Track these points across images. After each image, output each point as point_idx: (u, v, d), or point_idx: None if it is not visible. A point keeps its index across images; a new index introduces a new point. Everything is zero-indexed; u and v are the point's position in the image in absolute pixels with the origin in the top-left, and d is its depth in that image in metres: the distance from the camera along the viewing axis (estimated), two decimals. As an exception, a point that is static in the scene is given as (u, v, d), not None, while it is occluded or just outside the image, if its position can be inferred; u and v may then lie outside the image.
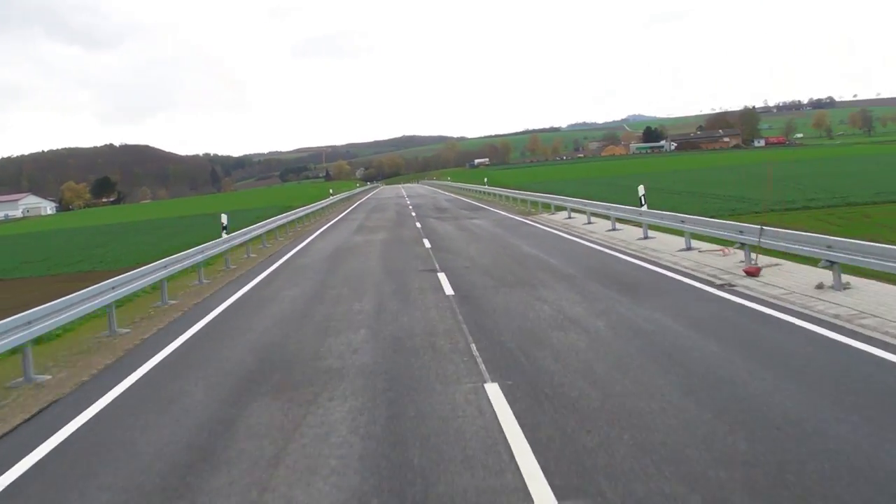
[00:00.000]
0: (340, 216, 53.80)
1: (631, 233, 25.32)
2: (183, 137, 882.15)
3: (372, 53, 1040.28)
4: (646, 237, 23.54)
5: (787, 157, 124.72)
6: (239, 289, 19.49)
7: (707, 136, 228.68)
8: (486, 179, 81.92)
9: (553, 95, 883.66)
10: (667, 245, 21.33)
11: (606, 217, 29.09)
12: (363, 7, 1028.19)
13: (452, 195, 77.90)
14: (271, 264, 24.79)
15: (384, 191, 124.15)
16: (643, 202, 25.95)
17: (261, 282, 20.66)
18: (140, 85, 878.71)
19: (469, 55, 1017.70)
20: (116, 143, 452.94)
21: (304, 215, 48.08)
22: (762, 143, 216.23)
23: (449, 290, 16.41)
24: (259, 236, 32.08)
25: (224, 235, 26.82)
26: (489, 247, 25.01)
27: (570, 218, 34.12)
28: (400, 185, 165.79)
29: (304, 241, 34.15)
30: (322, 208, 59.73)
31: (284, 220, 39.93)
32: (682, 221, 20.57)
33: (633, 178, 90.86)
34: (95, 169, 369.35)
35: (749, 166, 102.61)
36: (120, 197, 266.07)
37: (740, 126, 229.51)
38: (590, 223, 30.45)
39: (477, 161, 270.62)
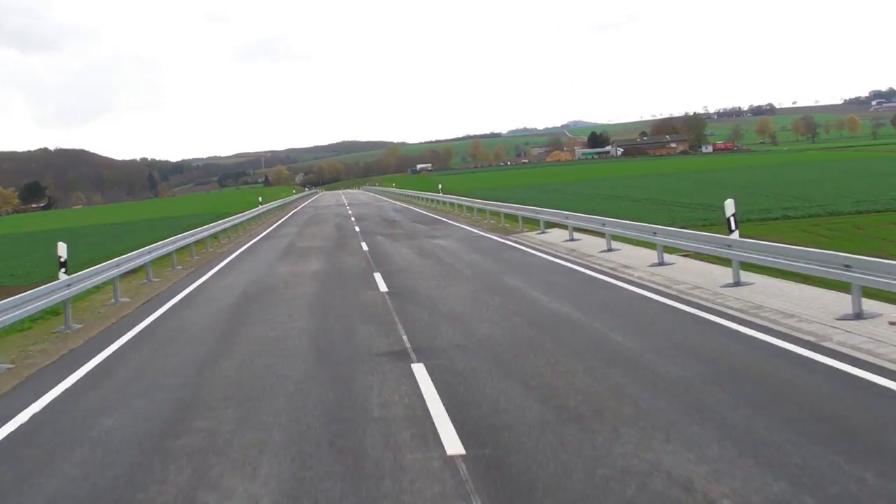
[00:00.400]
0: (269, 230, 44.93)
1: (699, 270, 16.78)
2: (120, 142, 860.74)
3: (312, 58, 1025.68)
4: (737, 283, 14.60)
5: (739, 164, 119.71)
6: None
7: (654, 142, 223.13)
8: (440, 186, 70.81)
9: (493, 101, 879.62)
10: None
11: (629, 240, 20.83)
12: (303, 12, 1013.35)
13: (400, 203, 69.94)
14: (130, 327, 14.89)
15: (324, 197, 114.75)
16: (733, 225, 16.20)
17: (70, 390, 10.53)
18: (78, 89, 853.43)
19: (409, 61, 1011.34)
20: (51, 148, 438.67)
21: (223, 229, 38.42)
22: (709, 149, 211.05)
23: (453, 445, 7.09)
24: (144, 266, 22.48)
25: (62, 277, 16.23)
26: (480, 292, 16.14)
27: (572, 240, 25.23)
28: (340, 192, 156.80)
29: (209, 270, 25.03)
30: (251, 218, 50.49)
31: (193, 238, 30.39)
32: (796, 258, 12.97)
33: (589, 185, 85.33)
34: (29, 173, 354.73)
35: (704, 172, 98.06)
36: (50, 202, 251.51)
37: (687, 132, 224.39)
38: (610, 250, 21.61)
39: (419, 166, 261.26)
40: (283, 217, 59.84)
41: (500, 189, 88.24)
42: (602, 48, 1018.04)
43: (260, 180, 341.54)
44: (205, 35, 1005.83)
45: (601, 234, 22.49)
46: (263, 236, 40.19)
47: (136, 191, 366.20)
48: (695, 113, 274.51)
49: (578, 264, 19.52)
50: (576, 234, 25.63)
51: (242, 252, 31.48)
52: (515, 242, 26.82)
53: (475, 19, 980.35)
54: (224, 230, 38.73)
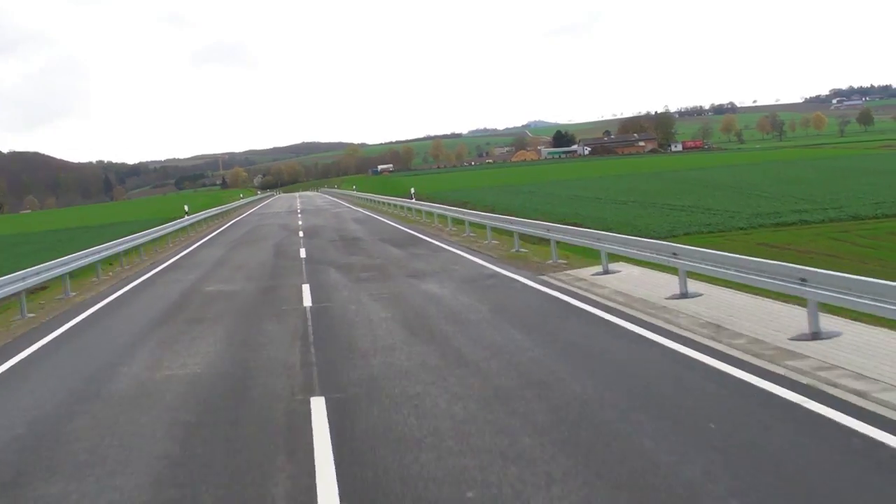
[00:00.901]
0: (187, 251, 33.15)
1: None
2: (77, 145, 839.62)
3: (269, 60, 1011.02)
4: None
5: (716, 162, 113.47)
6: None
7: (622, 141, 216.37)
8: (413, 190, 62.40)
9: (454, 102, 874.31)
10: None
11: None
12: (259, 15, 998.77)
13: (363, 211, 56.84)
14: None
15: (278, 201, 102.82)
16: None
17: None
18: (34, 92, 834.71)
19: (368, 62, 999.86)
20: (4, 150, 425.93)
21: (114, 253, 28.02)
22: (679, 147, 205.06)
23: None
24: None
25: None
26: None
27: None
28: (297, 195, 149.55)
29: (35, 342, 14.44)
30: (173, 231, 41.91)
31: (78, 264, 22.14)
32: None
33: (563, 186, 78.32)
34: None
35: (682, 171, 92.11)
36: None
37: (654, 130, 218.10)
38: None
39: (380, 167, 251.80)
40: (219, 228, 50.80)
41: (469, 190, 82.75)
42: (562, 48, 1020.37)
43: (217, 182, 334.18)
44: (162, 38, 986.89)
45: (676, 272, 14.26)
46: (168, 265, 27.76)
47: (93, 194, 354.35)
48: (657, 112, 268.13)
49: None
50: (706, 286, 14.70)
51: (115, 300, 19.68)
52: (569, 294, 15.61)
53: (434, 20, 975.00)
54: (143, 244, 30.61)
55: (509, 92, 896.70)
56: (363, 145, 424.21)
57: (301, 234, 36.72)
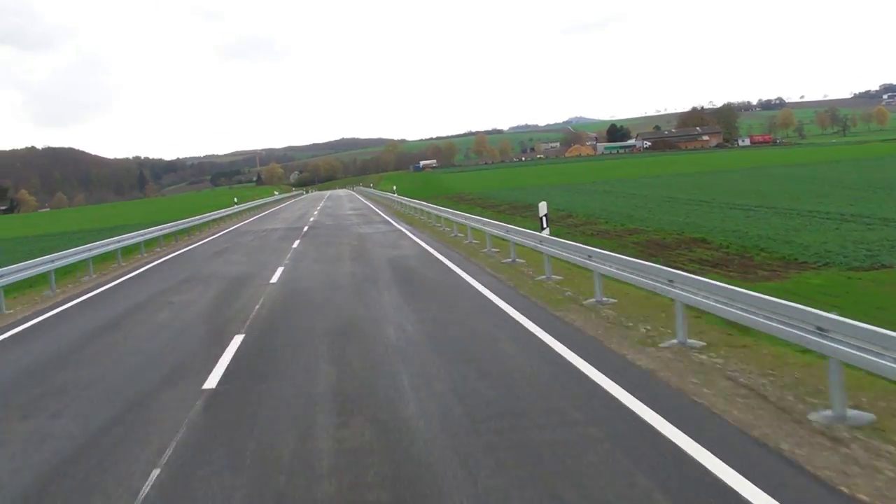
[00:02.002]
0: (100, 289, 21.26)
1: None
2: (116, 141, 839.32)
3: (310, 56, 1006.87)
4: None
5: (805, 158, 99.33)
6: None
7: (683, 135, 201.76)
8: (544, 213, 33.17)
9: (494, 98, 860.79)
10: None
11: None
12: (300, 9, 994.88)
13: (415, 238, 31.00)
14: None
15: (296, 204, 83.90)
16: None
17: None
18: (73, 87, 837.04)
19: (408, 58, 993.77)
20: (39, 146, 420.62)
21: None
22: (747, 142, 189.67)
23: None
24: None
25: None
26: None
27: None
28: (326, 193, 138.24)
29: None
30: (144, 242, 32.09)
31: None
32: None
33: (641, 185, 66.57)
34: (12, 173, 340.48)
35: (780, 168, 79.27)
36: (13, 205, 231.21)
37: (717, 124, 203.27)
38: None
39: (423, 163, 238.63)
40: (172, 252, 32.70)
41: (527, 189, 72.18)
42: (603, 43, 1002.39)
43: (253, 179, 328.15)
44: (203, 32, 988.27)
45: None
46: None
47: (126, 190, 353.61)
48: (700, 106, 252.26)
49: None
50: None
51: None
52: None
53: (475, 15, 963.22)
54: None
55: (550, 88, 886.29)
56: (403, 141, 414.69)
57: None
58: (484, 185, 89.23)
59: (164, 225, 37.36)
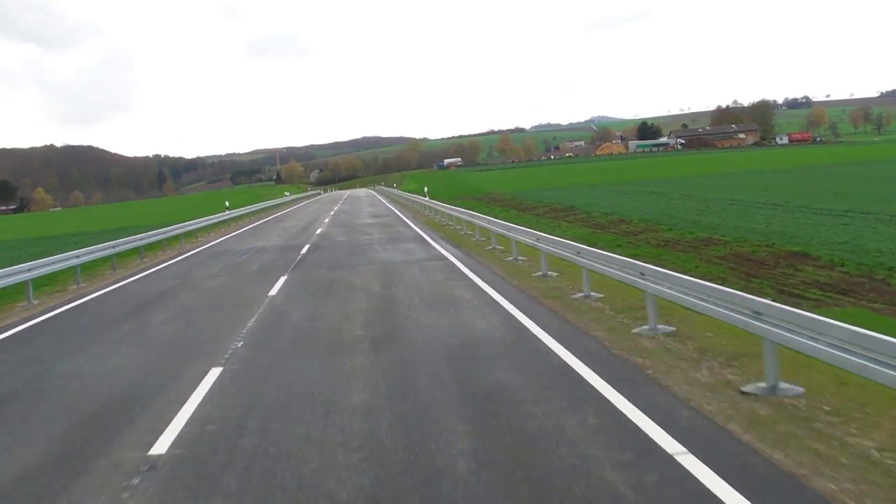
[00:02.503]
0: None
1: None
2: (137, 139, 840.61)
3: (330, 55, 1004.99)
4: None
5: (849, 157, 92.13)
6: None
7: (718, 132, 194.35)
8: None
9: (514, 97, 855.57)
10: None
11: None
12: (319, 10, 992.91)
13: (494, 294, 15.12)
14: None
15: (310, 206, 73.79)
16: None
17: None
18: (92, 85, 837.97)
19: (430, 57, 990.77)
20: (58, 144, 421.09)
21: None
22: (785, 139, 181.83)
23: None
24: None
25: None
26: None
27: None
28: (346, 193, 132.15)
29: None
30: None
31: None
32: None
33: (694, 184, 60.81)
34: (30, 171, 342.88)
35: (839, 167, 73.01)
36: (22, 204, 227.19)
37: (753, 121, 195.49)
38: None
39: (447, 161, 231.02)
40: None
41: (562, 189, 66.65)
42: (625, 42, 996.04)
43: (273, 178, 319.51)
44: (227, 30, 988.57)
45: None
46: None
47: (145, 189, 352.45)
48: (732, 103, 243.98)
49: None
50: None
51: None
52: None
53: (497, 14, 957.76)
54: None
55: (572, 87, 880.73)
56: (424, 140, 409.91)
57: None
58: (515, 185, 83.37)
59: (120, 241, 27.80)
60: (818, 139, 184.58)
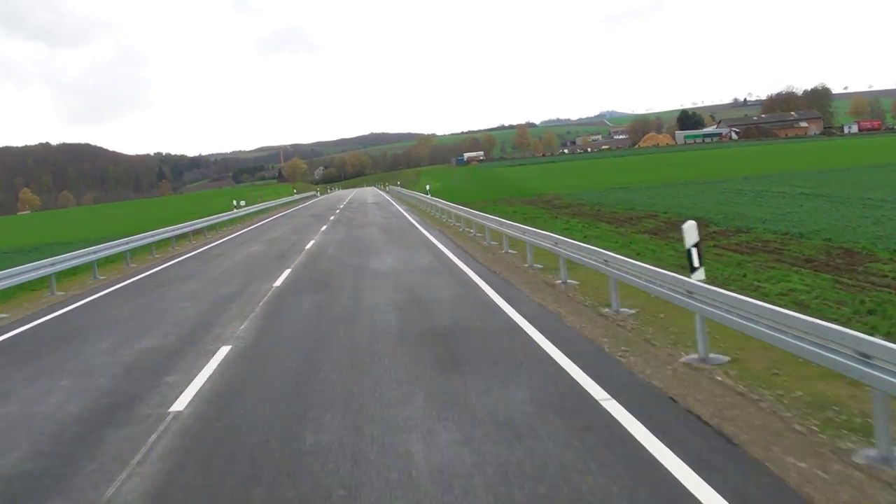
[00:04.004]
0: None
1: None
2: (141, 137, 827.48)
3: (336, 50, 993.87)
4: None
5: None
6: None
7: (777, 121, 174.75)
8: None
9: (522, 92, 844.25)
10: None
11: None
12: (326, 5, 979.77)
13: None
14: None
15: (271, 231, 64.31)
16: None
17: None
18: (95, 82, 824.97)
19: (438, 52, 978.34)
20: (54, 142, 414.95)
21: None
22: (854, 128, 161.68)
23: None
24: None
25: None
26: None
27: None
28: (351, 192, 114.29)
29: None
30: None
31: None
32: None
33: (793, 181, 44.76)
34: (24, 170, 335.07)
35: None
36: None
37: (813, 108, 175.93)
38: None
39: (467, 155, 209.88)
40: None
41: (648, 191, 49.56)
42: (636, 35, 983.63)
43: (276, 175, 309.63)
44: (234, 27, 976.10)
45: None
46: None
47: (145, 188, 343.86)
48: (738, 97, 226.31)
49: None
50: None
51: None
52: None
53: (504, 10, 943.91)
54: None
55: (581, 82, 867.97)
56: (433, 136, 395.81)
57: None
58: (564, 184, 65.88)
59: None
60: (888, 128, 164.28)
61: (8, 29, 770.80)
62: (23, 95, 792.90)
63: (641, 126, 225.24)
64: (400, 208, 53.31)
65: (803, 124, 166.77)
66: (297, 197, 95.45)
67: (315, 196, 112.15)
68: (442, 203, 39.52)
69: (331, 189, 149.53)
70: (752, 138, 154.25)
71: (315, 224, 41.23)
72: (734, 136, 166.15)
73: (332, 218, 45.04)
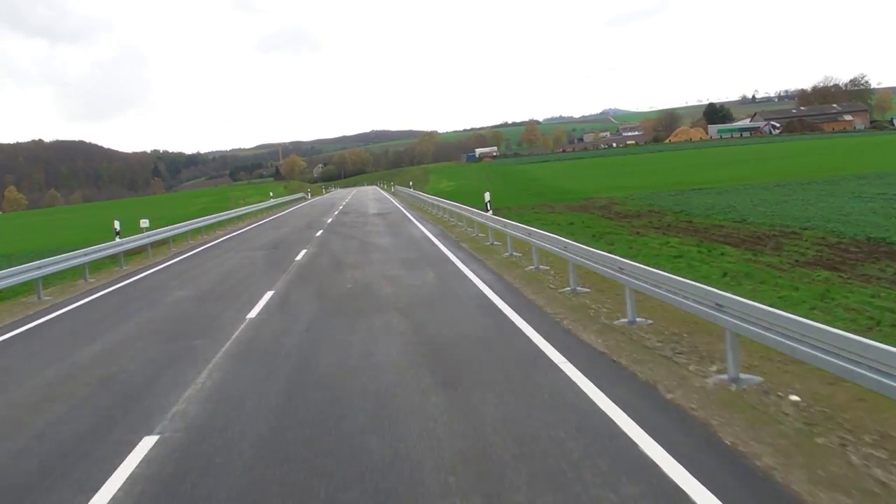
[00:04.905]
0: None
1: None
2: (140, 135, 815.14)
3: (338, 47, 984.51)
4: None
5: None
6: None
7: (819, 114, 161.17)
8: None
9: (524, 90, 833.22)
10: None
11: None
12: (328, 5, 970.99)
13: None
14: None
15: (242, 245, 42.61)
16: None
17: None
18: (96, 80, 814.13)
19: (439, 49, 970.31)
20: (47, 139, 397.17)
21: None
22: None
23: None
24: None
25: None
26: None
27: None
28: (351, 192, 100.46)
29: None
30: None
31: None
32: None
33: None
34: (15, 168, 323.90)
35: None
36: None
37: (850, 101, 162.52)
38: None
39: (479, 151, 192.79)
40: None
41: (735, 192, 39.13)
42: (640, 34, 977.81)
43: (274, 172, 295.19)
44: (234, 24, 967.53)
45: None
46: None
47: (140, 186, 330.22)
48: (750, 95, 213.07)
49: None
50: None
51: None
52: None
53: (505, 7, 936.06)
54: None
55: (583, 80, 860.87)
56: (434, 133, 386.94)
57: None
58: (613, 184, 53.73)
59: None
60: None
61: (7, 27, 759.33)
62: (17, 93, 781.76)
63: (666, 121, 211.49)
64: (405, 212, 39.01)
65: (847, 117, 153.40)
66: (271, 203, 65.77)
67: (304, 199, 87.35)
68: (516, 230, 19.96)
69: (326, 189, 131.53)
70: (795, 132, 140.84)
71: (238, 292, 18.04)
72: (774, 130, 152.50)
73: (296, 260, 23.06)
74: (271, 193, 63.24)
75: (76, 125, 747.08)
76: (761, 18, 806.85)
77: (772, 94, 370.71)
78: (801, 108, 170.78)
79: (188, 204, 76.46)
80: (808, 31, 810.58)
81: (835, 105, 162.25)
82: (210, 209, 58.22)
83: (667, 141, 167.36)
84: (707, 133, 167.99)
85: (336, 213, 51.53)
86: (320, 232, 34.73)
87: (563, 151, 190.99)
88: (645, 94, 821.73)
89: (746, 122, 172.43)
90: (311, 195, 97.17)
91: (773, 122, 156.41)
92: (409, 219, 39.31)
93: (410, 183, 77.24)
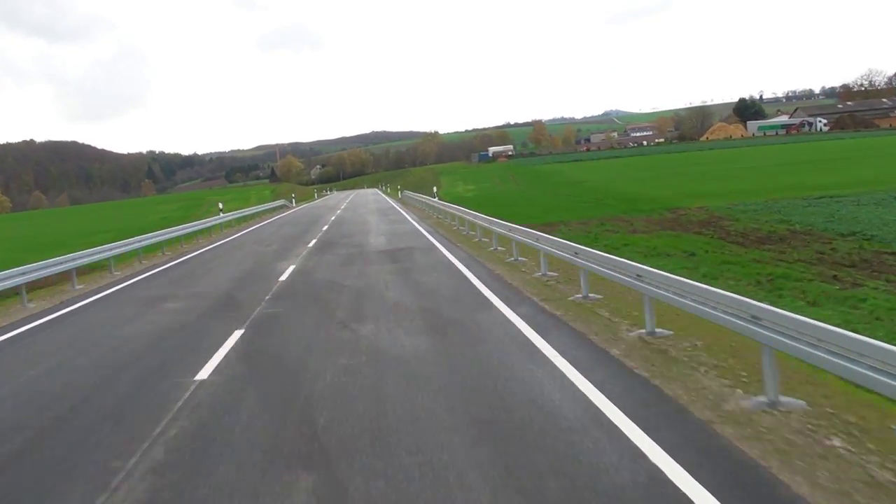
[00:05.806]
0: None
1: None
2: (137, 136, 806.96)
3: (343, 49, 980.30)
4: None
5: None
6: None
7: (868, 109, 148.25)
8: None
9: (526, 91, 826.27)
10: None
11: None
12: (331, 5, 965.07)
13: None
14: None
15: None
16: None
17: None
18: (94, 80, 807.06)
19: (440, 50, 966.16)
20: (38, 140, 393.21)
21: None
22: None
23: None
24: None
25: None
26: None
27: None
28: (348, 196, 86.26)
29: None
30: None
31: None
32: None
33: None
34: (3, 169, 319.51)
35: None
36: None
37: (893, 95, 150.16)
38: None
39: (492, 150, 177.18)
40: None
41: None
42: (641, 35, 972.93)
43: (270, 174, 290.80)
44: (234, 24, 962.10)
45: None
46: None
47: (132, 188, 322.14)
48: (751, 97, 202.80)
49: None
50: None
51: None
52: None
53: (506, 8, 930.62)
54: None
55: (585, 81, 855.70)
56: (436, 134, 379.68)
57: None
58: (693, 191, 40.89)
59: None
60: None
61: (5, 26, 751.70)
62: (15, 92, 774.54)
63: (698, 118, 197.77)
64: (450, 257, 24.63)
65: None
66: (219, 220, 42.00)
67: (286, 207, 69.26)
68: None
69: (319, 193, 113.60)
70: (847, 129, 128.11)
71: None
72: (822, 126, 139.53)
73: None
74: (220, 205, 42.22)
75: (73, 125, 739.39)
76: (761, 18, 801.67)
77: (779, 94, 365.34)
78: (848, 103, 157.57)
79: (149, 212, 63.24)
80: (808, 31, 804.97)
81: (884, 100, 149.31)
82: (170, 220, 45.42)
83: (703, 138, 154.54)
84: (747, 129, 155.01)
85: (312, 244, 27.31)
86: (236, 336, 11.71)
87: (587, 150, 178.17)
88: (645, 94, 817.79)
89: (785, 119, 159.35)
90: (296, 202, 76.58)
91: (821, 118, 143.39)
92: (417, 227, 27.08)
93: (435, 190, 50.25)
